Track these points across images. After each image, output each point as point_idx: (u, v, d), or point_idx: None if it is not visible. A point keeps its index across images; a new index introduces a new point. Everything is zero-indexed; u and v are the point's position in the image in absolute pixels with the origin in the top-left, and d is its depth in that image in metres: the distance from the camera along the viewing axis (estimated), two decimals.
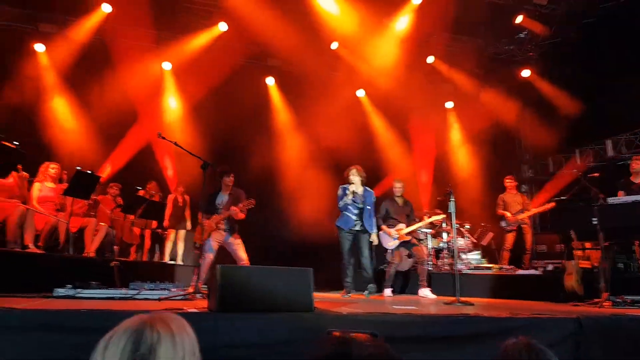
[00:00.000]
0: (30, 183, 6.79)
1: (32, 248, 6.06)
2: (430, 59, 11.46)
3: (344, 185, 6.82)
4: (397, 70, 10.74)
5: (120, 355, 1.17)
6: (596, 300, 5.50)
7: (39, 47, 9.48)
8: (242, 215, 6.31)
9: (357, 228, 6.72)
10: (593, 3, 9.75)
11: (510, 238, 8.82)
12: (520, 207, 8.88)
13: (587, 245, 7.80)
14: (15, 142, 5.39)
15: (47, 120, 9.29)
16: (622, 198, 6.58)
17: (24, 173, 6.58)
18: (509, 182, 9.14)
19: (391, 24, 10.30)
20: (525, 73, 11.56)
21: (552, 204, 8.25)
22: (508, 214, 8.78)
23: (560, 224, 7.06)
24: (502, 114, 11.39)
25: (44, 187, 6.86)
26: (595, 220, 5.75)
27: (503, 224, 8.91)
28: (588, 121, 10.07)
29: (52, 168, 6.99)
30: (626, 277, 6.35)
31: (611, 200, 6.37)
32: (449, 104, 12.41)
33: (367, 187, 6.90)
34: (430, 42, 11.11)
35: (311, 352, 1.05)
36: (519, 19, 10.42)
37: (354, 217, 6.71)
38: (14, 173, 6.26)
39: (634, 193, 6.72)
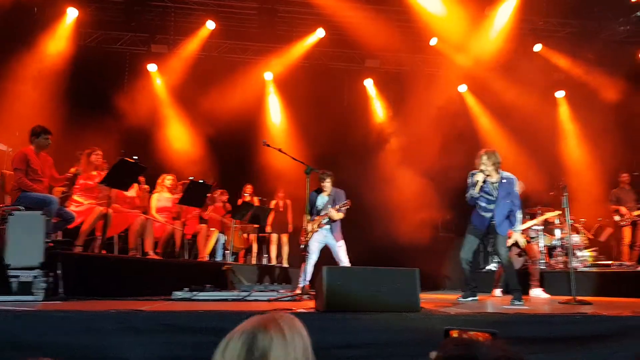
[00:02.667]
0: (150, 195, 7.41)
1: (151, 255, 6.63)
2: (538, 47, 10.81)
3: (474, 172, 5.62)
4: (501, 61, 10.31)
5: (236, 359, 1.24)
6: None
7: (152, 67, 10.31)
8: (340, 215, 6.41)
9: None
10: None
11: (627, 232, 8.46)
12: (633, 204, 8.60)
13: None
14: (134, 157, 5.88)
15: (162, 135, 10.07)
16: None
17: (145, 186, 7.21)
18: (623, 177, 8.96)
19: (493, 13, 9.89)
20: None
21: None
22: (623, 209, 8.32)
23: None
24: (621, 100, 10.49)
25: (161, 197, 7.46)
26: None
27: (617, 218, 8.45)
28: None
29: (168, 179, 7.58)
30: None
31: None
32: (560, 94, 11.64)
33: (505, 173, 5.60)
34: (536, 29, 10.54)
35: (437, 352, 1.05)
36: None
37: (487, 215, 5.60)
38: (135, 185, 6.87)
39: None
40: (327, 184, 6.57)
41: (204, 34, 10.15)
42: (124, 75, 10.28)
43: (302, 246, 5.83)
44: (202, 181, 6.98)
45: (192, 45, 10.22)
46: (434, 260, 9.26)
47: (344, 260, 6.44)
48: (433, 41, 10.46)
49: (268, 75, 10.92)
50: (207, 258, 7.80)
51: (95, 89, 9.49)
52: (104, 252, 5.97)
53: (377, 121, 11.45)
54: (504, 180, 5.49)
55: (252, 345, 1.24)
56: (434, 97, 10.55)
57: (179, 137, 10.22)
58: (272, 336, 1.26)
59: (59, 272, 4.24)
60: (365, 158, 10.32)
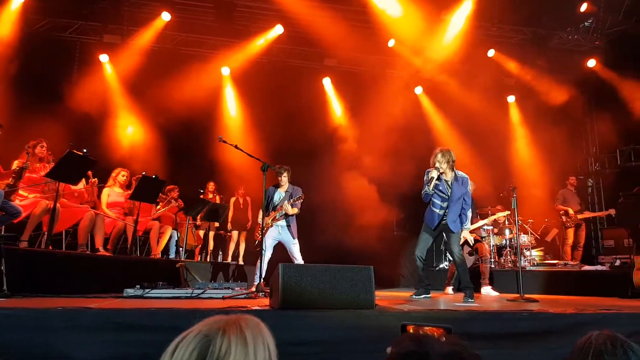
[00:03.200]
0: (100, 189, 7.16)
1: (102, 251, 6.41)
2: (491, 53, 11.16)
3: (430, 170, 5.69)
4: (456, 65, 10.59)
5: None
6: None
7: (104, 58, 9.95)
8: (295, 210, 6.40)
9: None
10: None
11: (570, 234, 8.88)
12: (579, 207, 9.00)
13: None
14: (84, 150, 5.67)
15: (113, 128, 9.75)
16: None
17: (94, 179, 6.96)
18: (571, 180, 9.33)
19: (449, 17, 10.11)
20: (591, 63, 11.08)
21: (611, 212, 8.29)
22: (571, 211, 8.69)
23: (629, 218, 6.76)
24: (567, 106, 10.96)
25: (112, 192, 7.23)
26: None
27: (564, 218, 8.79)
28: None
29: (122, 175, 7.36)
30: None
31: None
32: (511, 98, 12.05)
33: (459, 173, 5.72)
34: (490, 35, 10.87)
35: (391, 348, 1.06)
36: (584, 6, 10.00)
37: (440, 212, 5.68)
38: (83, 180, 6.64)
39: None
40: (284, 179, 6.55)
41: (159, 26, 9.90)
42: (74, 64, 9.90)
43: (257, 242, 5.79)
44: (155, 176, 6.81)
45: (147, 36, 9.95)
46: (389, 259, 9.39)
47: (298, 257, 6.44)
48: (391, 43, 10.60)
49: (225, 70, 10.78)
50: (159, 255, 7.62)
51: (43, 78, 9.10)
52: (50, 247, 5.74)
53: (334, 120, 11.50)
54: (458, 179, 5.62)
55: (205, 350, 1.11)
56: (390, 97, 10.71)
57: (131, 131, 9.92)
58: (231, 341, 1.13)
59: (2, 268, 4.04)
60: (321, 156, 10.34)
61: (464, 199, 5.67)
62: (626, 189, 8.86)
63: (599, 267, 7.73)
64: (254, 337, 1.17)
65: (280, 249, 6.62)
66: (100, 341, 2.78)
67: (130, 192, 7.18)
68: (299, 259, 6.43)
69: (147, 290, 4.56)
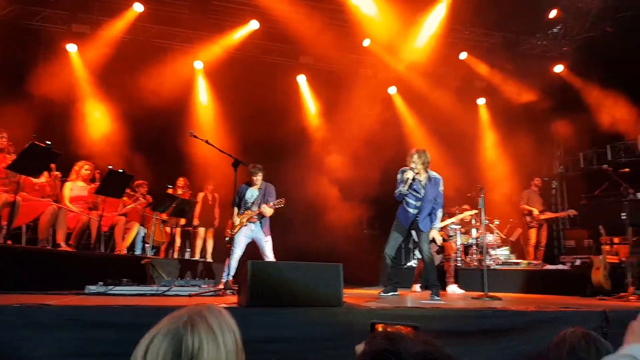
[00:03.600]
0: (63, 183, 6.97)
1: (63, 247, 6.24)
2: (463, 55, 11.34)
3: (405, 169, 5.77)
4: (429, 66, 10.71)
5: None
6: (623, 294, 5.53)
7: (71, 48, 9.66)
8: (271, 212, 6.37)
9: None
10: None
11: (533, 234, 9.07)
12: (542, 207, 9.19)
13: (615, 240, 7.75)
14: (47, 142, 5.51)
15: (80, 120, 9.48)
16: None
17: (57, 172, 6.77)
18: (536, 181, 9.53)
19: (423, 19, 10.21)
20: (558, 68, 11.37)
21: (571, 212, 8.57)
22: (535, 211, 8.88)
23: (590, 219, 6.98)
24: (534, 110, 11.23)
25: (75, 186, 7.04)
26: (624, 216, 5.70)
27: (528, 218, 9.01)
28: (620, 117, 9.90)
29: (85, 169, 7.16)
30: None
31: None
32: (481, 101, 12.27)
33: (433, 173, 5.82)
34: (463, 38, 11.03)
35: (364, 346, 1.06)
36: (553, 13, 10.24)
37: (413, 212, 5.77)
38: (46, 173, 6.43)
39: None
40: (258, 178, 6.50)
41: (131, 17, 9.66)
42: (40, 54, 9.57)
43: (227, 239, 5.74)
44: (122, 170, 6.65)
45: (117, 27, 9.69)
46: (359, 257, 9.43)
47: (269, 255, 6.41)
48: (366, 42, 10.65)
49: (198, 64, 10.62)
50: (125, 251, 7.47)
51: (6, 66, 8.78)
52: (10, 242, 5.56)
53: (308, 118, 11.49)
54: (431, 180, 5.71)
55: (178, 348, 1.13)
56: (364, 96, 10.77)
57: (98, 124, 9.66)
58: (201, 336, 1.15)
59: None
60: (294, 154, 10.32)
61: (436, 199, 5.76)
62: (588, 191, 9.14)
63: (560, 267, 7.95)
64: (221, 326, 1.19)
65: (251, 247, 6.57)
66: (60, 339, 2.69)
67: (95, 186, 7.01)
68: (270, 257, 6.40)
69: (110, 287, 4.46)
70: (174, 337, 1.14)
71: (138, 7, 9.55)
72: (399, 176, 5.77)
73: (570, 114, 10.77)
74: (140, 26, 9.93)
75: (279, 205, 6.35)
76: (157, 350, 1.13)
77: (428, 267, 5.78)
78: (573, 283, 6.67)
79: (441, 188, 5.84)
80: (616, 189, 6.33)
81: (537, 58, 11.70)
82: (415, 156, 5.63)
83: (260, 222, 6.43)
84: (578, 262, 8.02)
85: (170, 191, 8.64)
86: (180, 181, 9.14)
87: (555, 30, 11.13)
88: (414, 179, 5.66)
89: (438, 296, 5.43)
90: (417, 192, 5.70)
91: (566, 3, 10.03)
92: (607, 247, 6.95)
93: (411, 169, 5.61)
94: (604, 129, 10.30)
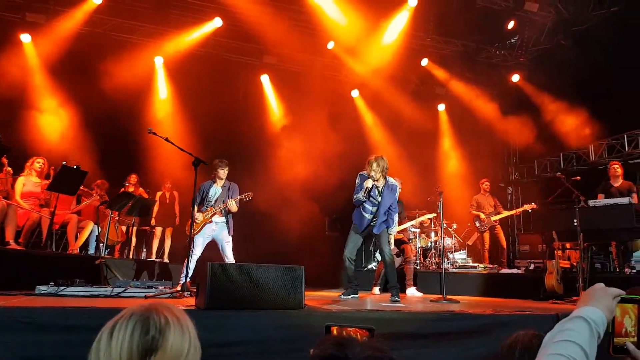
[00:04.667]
0: (15, 179, 6.68)
1: (12, 245, 5.99)
2: (425, 62, 11.54)
3: (364, 174, 5.85)
4: (391, 71, 10.84)
5: (129, 339, 1.13)
6: (575, 298, 5.71)
7: (25, 38, 9.25)
8: (235, 209, 6.29)
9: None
10: (583, 12, 9.98)
11: (486, 238, 9.15)
12: (492, 209, 9.23)
13: (567, 245, 8.02)
14: None
15: (34, 114, 9.10)
16: (602, 201, 6.83)
17: (8, 168, 6.49)
18: (484, 184, 9.53)
19: (387, 25, 10.31)
20: (515, 78, 11.73)
21: (529, 206, 8.51)
22: (482, 215, 9.03)
23: (543, 225, 7.21)
24: (492, 117, 11.53)
25: (28, 181, 6.77)
26: (576, 222, 5.91)
27: (477, 224, 9.14)
28: (572, 126, 10.29)
29: (37, 162, 6.89)
30: (603, 277, 6.48)
31: (592, 202, 6.59)
32: (441, 107, 12.52)
33: (390, 179, 5.92)
34: (424, 45, 11.22)
35: (313, 350, 1.06)
36: (511, 24, 10.56)
37: (369, 217, 5.85)
38: None
39: (613, 196, 6.96)
40: (224, 172, 6.41)
41: (89, 8, 9.33)
42: None
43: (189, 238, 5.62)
44: (76, 167, 6.42)
45: (75, 18, 9.34)
46: (321, 259, 9.44)
47: (229, 257, 6.32)
48: (330, 45, 10.68)
49: (158, 60, 10.38)
50: (78, 251, 7.22)
51: None
52: None
53: (271, 117, 11.42)
54: (389, 186, 5.81)
55: (147, 323, 1.15)
56: (327, 98, 10.81)
57: (52, 118, 9.29)
58: (167, 316, 1.19)
59: None
60: (255, 154, 10.25)
61: (393, 204, 5.87)
62: (542, 197, 9.44)
63: (515, 271, 8.16)
64: (182, 314, 1.24)
65: (210, 248, 6.46)
66: (8, 342, 2.57)
67: (46, 181, 6.75)
68: (230, 259, 6.31)
69: (62, 287, 4.30)
70: (140, 317, 1.17)
71: None
72: (357, 181, 5.85)
73: (526, 123, 11.11)
74: (99, 18, 9.63)
75: (247, 199, 6.28)
76: (124, 330, 1.15)
77: (389, 269, 5.84)
78: (527, 287, 6.85)
79: (397, 194, 5.97)
80: (568, 196, 6.56)
81: (495, 67, 12.07)
82: (375, 164, 5.72)
83: (226, 221, 6.34)
84: (532, 267, 8.28)
85: (123, 189, 8.42)
86: (132, 178, 8.83)
87: (512, 40, 11.48)
88: (372, 185, 5.74)
89: (398, 298, 5.50)
90: (375, 198, 5.80)
91: (523, 15, 10.35)
92: (559, 252, 7.19)
93: (370, 177, 5.70)
94: (557, 138, 10.68)
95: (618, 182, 7.34)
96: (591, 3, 9.86)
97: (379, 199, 5.78)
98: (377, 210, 5.78)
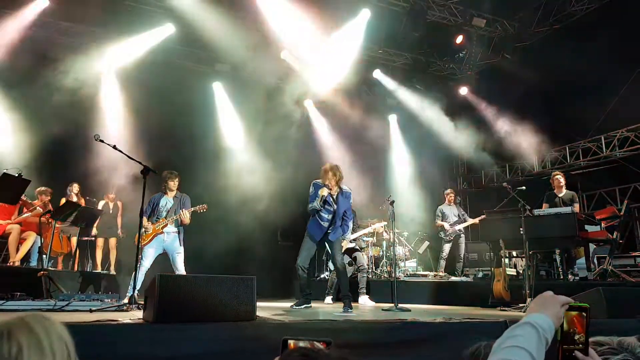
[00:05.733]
0: None
1: None
2: (376, 73, 11.75)
3: (318, 182, 5.98)
4: (344, 81, 10.97)
5: None
6: (521, 304, 5.86)
7: None
8: (188, 221, 6.16)
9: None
10: (527, 28, 10.49)
11: (447, 248, 9.28)
12: (456, 219, 9.33)
13: (514, 253, 8.27)
14: None
15: None
16: (546, 210, 7.11)
17: None
18: (448, 194, 9.63)
19: (339, 36, 10.43)
20: (463, 91, 12.12)
21: (480, 218, 8.73)
22: (447, 225, 9.16)
23: (491, 233, 7.42)
24: (441, 128, 11.83)
25: None
26: (522, 230, 6.13)
27: (442, 234, 9.25)
28: (517, 138, 10.71)
29: None
30: (548, 284, 6.75)
31: (537, 212, 6.85)
32: (392, 117, 12.76)
33: (344, 187, 6.05)
34: (376, 56, 11.42)
35: None
36: (459, 39, 10.92)
37: (325, 225, 5.91)
38: None
39: (557, 206, 7.25)
40: (175, 183, 6.29)
41: (36, 10, 8.97)
42: None
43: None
44: (18, 174, 6.11)
45: (20, 20, 8.93)
46: (272, 269, 9.37)
47: (180, 268, 6.18)
48: (283, 54, 10.69)
49: (108, 65, 10.05)
50: (19, 263, 6.87)
51: None
52: None
53: (223, 126, 11.29)
54: (343, 193, 5.92)
55: None
56: (280, 108, 10.80)
57: None
58: (21, 340, 1.00)
59: None
60: (207, 162, 10.10)
61: (347, 211, 5.99)
62: (489, 207, 9.73)
63: (464, 279, 8.36)
64: (47, 332, 1.05)
65: (160, 260, 6.30)
66: None
67: None
68: (181, 270, 6.16)
69: (1, 301, 4.08)
70: None
71: (42, 1, 8.91)
72: (311, 190, 5.92)
73: (473, 134, 11.47)
74: (47, 22, 9.27)
75: (202, 211, 6.18)
76: None
77: (342, 278, 5.89)
78: (476, 294, 7.01)
79: (351, 201, 6.08)
80: (514, 205, 6.78)
81: (444, 80, 12.43)
82: (330, 173, 5.85)
83: (178, 232, 6.21)
84: (480, 274, 8.50)
85: (64, 198, 8.10)
86: (75, 187, 8.54)
87: (461, 54, 11.89)
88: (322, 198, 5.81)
89: (351, 308, 5.52)
90: (330, 206, 5.88)
91: (471, 30, 10.74)
92: (506, 260, 7.40)
93: (325, 186, 5.80)
94: (503, 149, 11.09)
95: (561, 192, 7.66)
96: (535, 20, 10.35)
97: (334, 206, 5.87)
98: (333, 217, 5.86)
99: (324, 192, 5.76)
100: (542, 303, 1.25)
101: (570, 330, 1.25)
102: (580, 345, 1.23)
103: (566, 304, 1.25)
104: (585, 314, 1.25)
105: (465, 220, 9.37)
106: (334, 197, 5.88)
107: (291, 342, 1.27)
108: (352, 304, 5.75)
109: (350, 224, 6.22)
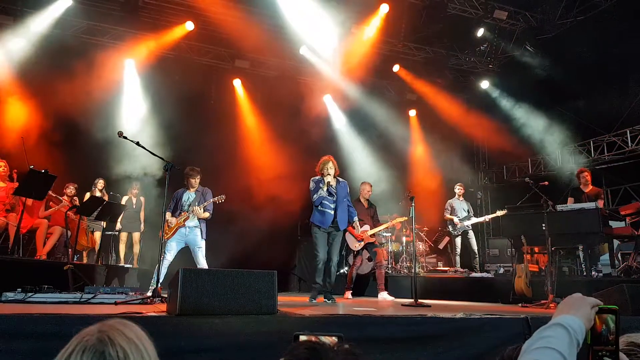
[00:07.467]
0: None
1: None
2: (396, 68, 11.69)
3: (316, 178, 6.34)
4: (363, 76, 10.95)
5: None
6: (543, 301, 5.80)
7: None
8: (206, 215, 6.25)
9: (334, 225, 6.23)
10: (550, 20, 10.26)
11: (457, 242, 9.23)
12: (465, 214, 9.32)
13: (536, 249, 8.17)
14: None
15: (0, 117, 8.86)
16: (569, 205, 6.99)
17: None
18: (458, 188, 9.57)
19: (359, 31, 10.40)
20: (484, 84, 11.97)
21: (502, 212, 8.63)
22: (456, 219, 9.11)
23: (512, 229, 7.35)
24: (462, 123, 11.73)
25: None
26: (544, 226, 6.05)
27: (450, 228, 9.22)
28: (539, 132, 10.56)
29: None
30: (570, 280, 6.66)
31: (560, 207, 6.75)
32: (412, 112, 12.69)
33: (340, 178, 6.44)
34: (396, 51, 11.35)
35: (284, 356, 1.06)
36: (480, 32, 10.79)
37: (331, 213, 6.19)
38: None
39: (582, 201, 7.13)
40: (196, 180, 6.38)
41: (59, 9, 9.15)
42: None
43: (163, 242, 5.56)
44: (44, 171, 6.26)
45: (44, 20, 9.13)
46: (293, 263, 9.42)
47: (202, 262, 6.26)
48: (303, 49, 10.71)
49: (129, 63, 10.22)
50: (46, 256, 7.04)
51: None
52: None
53: (243, 122, 11.36)
54: (340, 183, 6.35)
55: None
56: (300, 103, 10.84)
57: (17, 120, 9.02)
58: (124, 348, 1.07)
59: None
60: (228, 158, 10.18)
61: (347, 199, 6.41)
62: (510, 202, 9.63)
63: (484, 275, 8.30)
64: (138, 336, 1.13)
65: (182, 254, 6.39)
66: None
67: (12, 185, 6.57)
68: (203, 264, 6.25)
69: (29, 294, 4.19)
70: (94, 352, 1.05)
71: (66, 1, 9.07)
72: (311, 185, 6.28)
73: (495, 128, 11.34)
74: (70, 21, 9.45)
75: (220, 201, 6.27)
76: None
77: (331, 269, 6.19)
78: (497, 290, 6.96)
79: (347, 190, 6.48)
80: (536, 200, 6.70)
81: (465, 73, 12.30)
82: (330, 163, 6.26)
83: (200, 225, 6.31)
84: (501, 270, 8.43)
85: (89, 193, 8.26)
86: (100, 183, 8.72)
87: (482, 47, 11.73)
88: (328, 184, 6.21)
89: (314, 299, 5.97)
90: (332, 195, 6.22)
91: (492, 23, 10.59)
92: (528, 256, 7.34)
93: (327, 175, 6.20)
94: (525, 143, 10.94)
95: (588, 189, 7.55)
96: (558, 11, 10.15)
97: (336, 196, 6.25)
98: (336, 204, 6.21)
99: (329, 178, 6.17)
100: (572, 304, 1.24)
101: (600, 332, 1.23)
102: (611, 347, 1.22)
103: (596, 305, 1.24)
104: (615, 317, 1.24)
105: (471, 217, 9.34)
106: (333, 186, 6.24)
107: (302, 337, 1.30)
108: (372, 300, 5.79)
109: (356, 219, 6.58)
